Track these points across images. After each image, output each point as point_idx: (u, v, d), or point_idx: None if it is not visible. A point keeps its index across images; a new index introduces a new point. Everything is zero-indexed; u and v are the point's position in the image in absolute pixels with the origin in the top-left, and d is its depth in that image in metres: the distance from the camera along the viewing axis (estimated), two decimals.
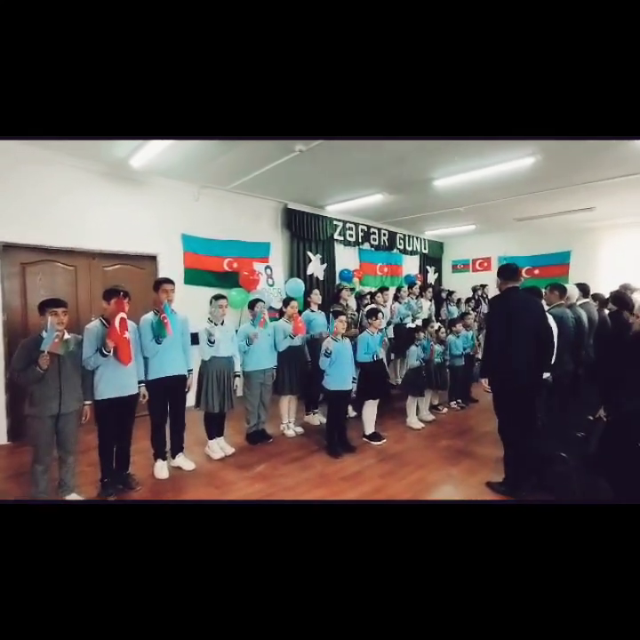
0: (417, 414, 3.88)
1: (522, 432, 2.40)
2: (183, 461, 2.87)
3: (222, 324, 3.04)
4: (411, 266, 7.65)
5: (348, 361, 3.08)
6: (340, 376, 3.03)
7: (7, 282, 3.32)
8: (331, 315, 3.73)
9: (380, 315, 3.32)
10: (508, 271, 2.50)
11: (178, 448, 2.89)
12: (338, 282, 5.64)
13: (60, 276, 3.59)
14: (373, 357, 3.22)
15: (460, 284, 7.42)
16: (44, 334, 2.11)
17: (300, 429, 3.62)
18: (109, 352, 2.31)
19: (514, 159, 3.61)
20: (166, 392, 2.72)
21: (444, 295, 6.03)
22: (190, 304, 3.45)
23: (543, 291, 3.11)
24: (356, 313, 4.34)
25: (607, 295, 4.20)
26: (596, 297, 4.04)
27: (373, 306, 4.02)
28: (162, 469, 2.75)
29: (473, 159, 3.71)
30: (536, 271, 7.15)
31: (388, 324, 4.56)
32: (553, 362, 2.58)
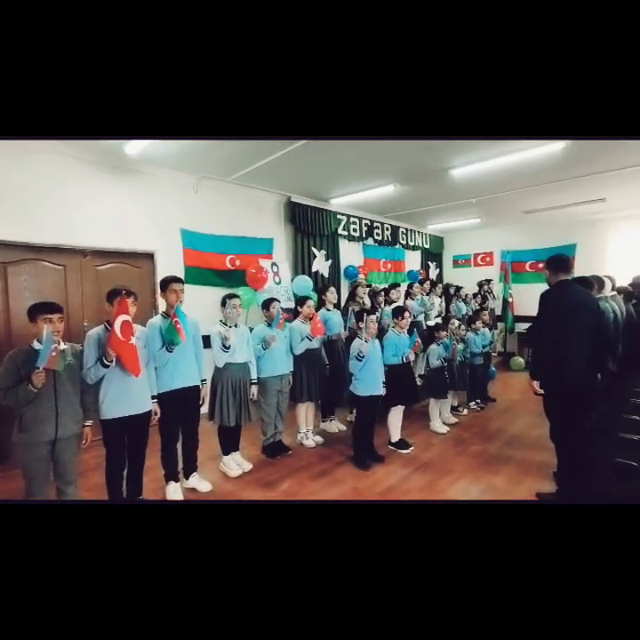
0: (439, 417, 3.67)
1: (580, 437, 2.19)
2: (198, 482, 2.56)
3: (236, 326, 2.73)
4: (412, 261, 7.45)
5: (379, 363, 2.82)
6: (372, 380, 2.77)
7: None
8: (351, 314, 3.47)
9: (406, 313, 3.07)
10: (558, 262, 2.28)
11: (191, 467, 2.57)
12: (352, 279, 5.39)
13: (47, 276, 3.20)
14: (402, 359, 2.97)
15: (461, 280, 7.25)
16: (37, 346, 1.77)
17: (319, 438, 3.34)
18: (111, 362, 1.98)
19: (543, 144, 3.40)
20: (178, 406, 2.40)
21: (452, 291, 5.84)
22: (191, 306, 3.09)
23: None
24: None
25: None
26: (620, 290, 3.90)
27: (399, 303, 3.77)
28: (175, 493, 2.43)
29: (497, 146, 3.48)
30: (540, 265, 7.04)
31: None
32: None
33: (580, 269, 6.42)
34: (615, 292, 3.66)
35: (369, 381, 2.77)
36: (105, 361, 1.96)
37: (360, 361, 2.68)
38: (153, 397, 2.25)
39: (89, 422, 2.01)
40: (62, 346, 1.88)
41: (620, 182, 4.64)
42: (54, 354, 1.73)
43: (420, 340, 3.03)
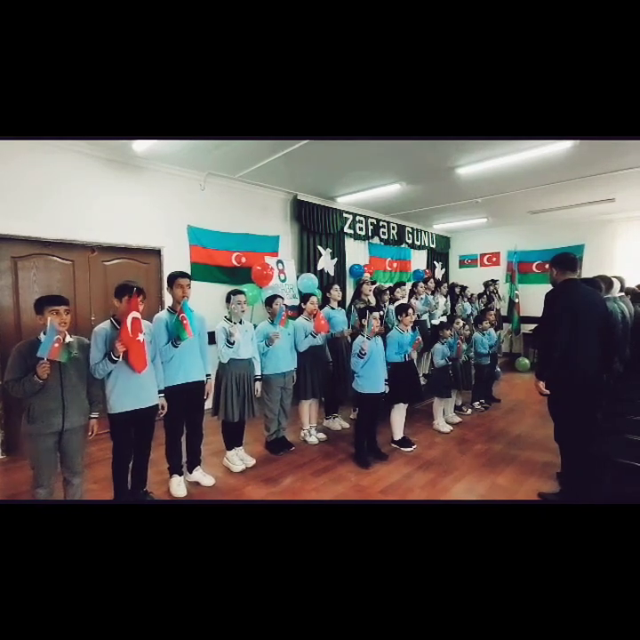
0: (443, 416, 3.66)
1: (585, 438, 2.18)
2: (201, 476, 2.58)
3: (241, 322, 2.75)
4: (418, 261, 7.42)
5: (381, 361, 2.82)
6: (375, 378, 2.77)
7: None
8: (354, 312, 3.47)
9: (410, 311, 3.07)
10: (565, 260, 2.26)
11: (195, 461, 2.60)
12: (357, 278, 5.40)
13: (55, 271, 3.24)
14: (405, 357, 2.96)
15: (467, 280, 7.22)
16: (43, 337, 1.79)
17: (322, 436, 3.35)
18: (119, 357, 2.00)
19: (551, 143, 3.37)
20: (183, 400, 2.42)
21: (457, 291, 5.81)
22: (197, 303, 3.11)
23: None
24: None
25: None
26: (627, 291, 3.86)
27: (402, 301, 3.77)
28: (179, 486, 2.46)
29: (504, 145, 3.46)
30: (547, 265, 6.98)
31: None
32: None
33: (588, 270, 6.39)
34: (623, 293, 3.62)
35: (371, 379, 2.76)
36: (113, 357, 1.99)
37: (362, 358, 2.68)
38: (160, 392, 2.27)
39: (95, 414, 2.04)
40: (69, 338, 1.91)
41: (629, 182, 4.58)
42: (57, 345, 1.75)
43: (420, 338, 3.02)
